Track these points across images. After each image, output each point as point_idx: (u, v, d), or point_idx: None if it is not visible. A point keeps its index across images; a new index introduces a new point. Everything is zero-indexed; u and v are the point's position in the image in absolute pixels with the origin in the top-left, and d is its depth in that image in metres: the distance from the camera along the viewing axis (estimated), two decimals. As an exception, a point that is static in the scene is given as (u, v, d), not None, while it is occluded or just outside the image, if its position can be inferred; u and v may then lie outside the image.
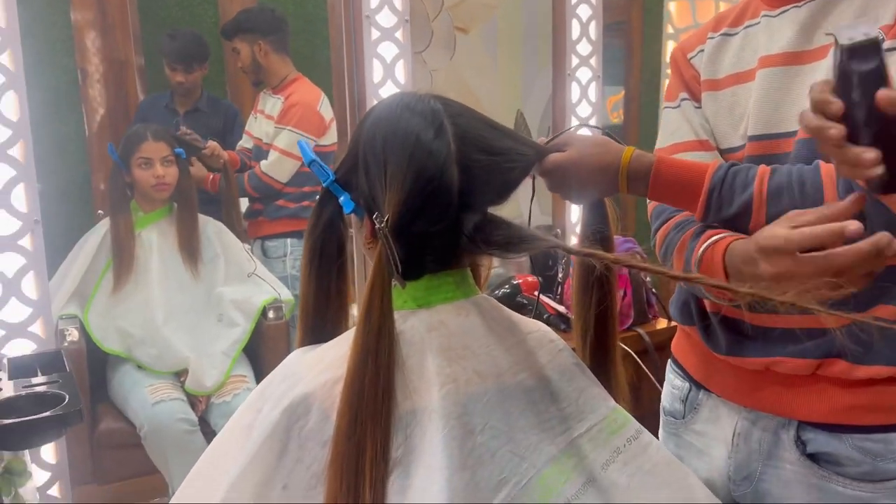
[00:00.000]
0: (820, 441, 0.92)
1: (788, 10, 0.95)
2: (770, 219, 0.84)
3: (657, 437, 0.82)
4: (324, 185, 0.79)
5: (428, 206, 0.72)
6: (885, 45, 0.83)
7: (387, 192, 0.72)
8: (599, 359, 0.87)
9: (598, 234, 0.87)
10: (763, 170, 0.86)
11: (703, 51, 1.05)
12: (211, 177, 2.32)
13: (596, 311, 0.86)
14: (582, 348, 0.88)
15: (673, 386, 1.11)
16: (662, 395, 1.14)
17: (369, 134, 0.77)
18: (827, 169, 0.83)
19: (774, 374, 0.94)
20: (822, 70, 0.89)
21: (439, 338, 0.73)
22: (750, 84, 0.97)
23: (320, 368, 0.73)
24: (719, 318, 0.98)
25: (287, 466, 0.69)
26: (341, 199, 0.78)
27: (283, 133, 2.33)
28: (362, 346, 0.69)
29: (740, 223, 0.87)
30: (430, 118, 0.74)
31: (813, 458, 0.92)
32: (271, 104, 2.40)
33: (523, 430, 0.72)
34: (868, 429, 0.89)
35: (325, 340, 0.78)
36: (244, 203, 2.47)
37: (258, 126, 2.43)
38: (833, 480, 0.91)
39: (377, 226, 0.71)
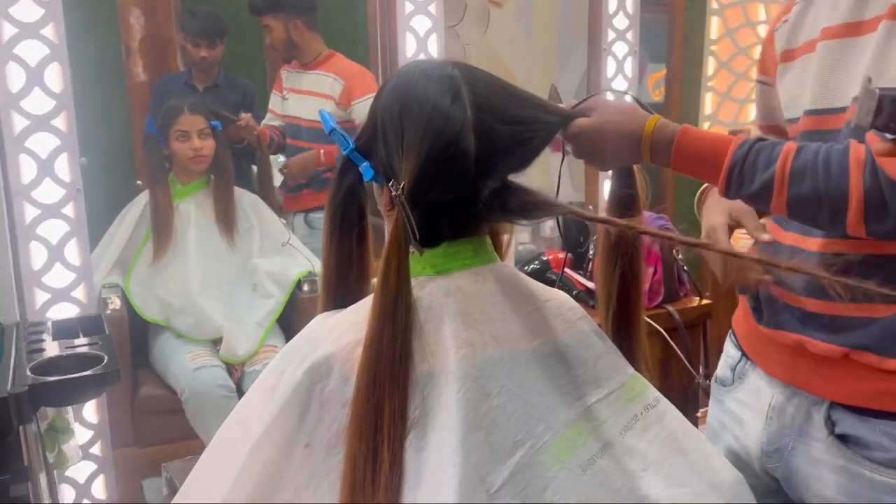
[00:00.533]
0: (849, 423, 0.92)
1: None
2: (790, 200, 0.82)
3: (685, 414, 0.82)
4: (344, 153, 0.80)
5: (444, 172, 0.72)
6: None
7: (404, 158, 0.73)
8: (622, 329, 0.87)
9: (625, 201, 0.87)
10: (789, 148, 0.83)
11: (787, 21, 1.02)
12: (322, 151, 2.31)
13: (619, 280, 0.86)
14: (605, 318, 0.88)
15: (727, 354, 1.13)
16: (719, 363, 1.17)
17: (387, 101, 0.77)
18: (857, 151, 0.80)
19: (809, 352, 0.94)
20: (874, 44, 0.86)
21: (456, 303, 0.74)
22: (810, 56, 0.95)
23: (341, 332, 0.75)
24: (763, 291, 0.99)
25: (309, 426, 0.71)
26: (361, 166, 0.78)
27: (365, 103, 2.31)
28: (380, 311, 0.70)
29: (761, 202, 0.86)
30: (447, 85, 0.74)
31: (843, 439, 0.92)
32: (311, 81, 2.38)
33: (540, 394, 0.73)
34: None
35: (347, 306, 0.80)
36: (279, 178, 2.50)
37: (294, 104, 2.41)
38: (861, 464, 0.90)
39: (393, 193, 0.72)
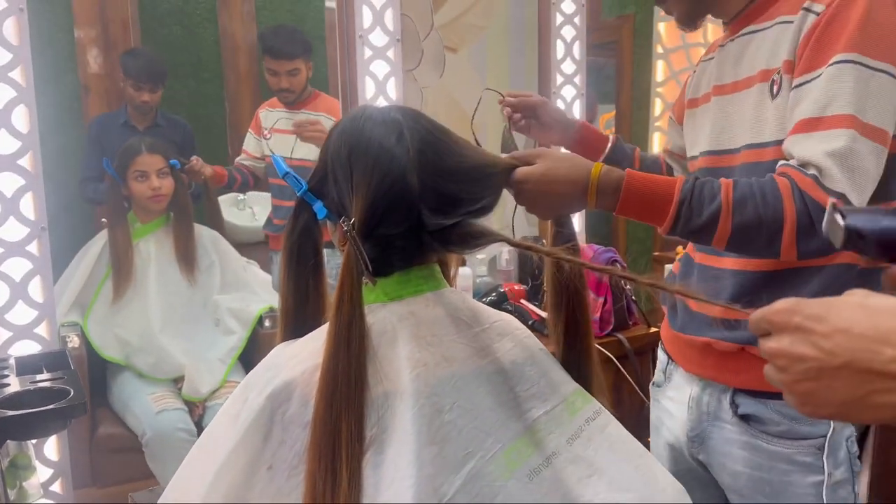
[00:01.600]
0: (749, 404, 1.07)
1: (726, 44, 1.11)
2: (734, 227, 0.92)
3: (638, 437, 0.88)
4: (298, 194, 0.85)
5: (391, 208, 0.78)
6: (795, 81, 0.95)
7: (354, 197, 0.79)
8: (574, 357, 0.91)
9: (564, 236, 0.93)
10: (726, 182, 0.94)
11: (695, 73, 1.22)
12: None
13: (566, 309, 0.90)
14: (557, 347, 0.92)
15: (659, 360, 1.27)
16: (655, 370, 1.30)
17: (336, 145, 0.83)
18: (782, 181, 0.92)
19: (714, 350, 1.09)
20: (752, 97, 1.03)
21: (409, 327, 0.79)
22: (707, 105, 1.13)
23: (300, 358, 0.79)
24: (679, 302, 1.15)
25: (272, 448, 0.75)
26: (315, 206, 0.84)
27: None
28: (335, 338, 0.74)
29: (707, 233, 0.94)
30: (391, 127, 0.80)
31: (745, 419, 1.07)
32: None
33: (490, 409, 0.78)
34: None
35: (304, 335, 0.83)
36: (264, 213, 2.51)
37: (279, 144, 2.38)
38: (759, 437, 1.05)
39: (344, 228, 0.77)
